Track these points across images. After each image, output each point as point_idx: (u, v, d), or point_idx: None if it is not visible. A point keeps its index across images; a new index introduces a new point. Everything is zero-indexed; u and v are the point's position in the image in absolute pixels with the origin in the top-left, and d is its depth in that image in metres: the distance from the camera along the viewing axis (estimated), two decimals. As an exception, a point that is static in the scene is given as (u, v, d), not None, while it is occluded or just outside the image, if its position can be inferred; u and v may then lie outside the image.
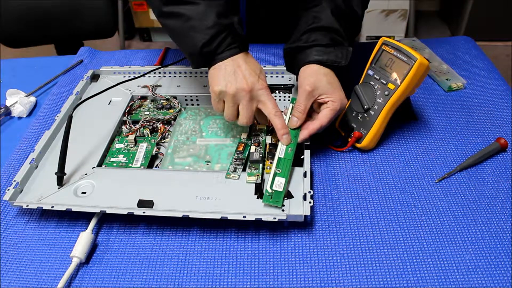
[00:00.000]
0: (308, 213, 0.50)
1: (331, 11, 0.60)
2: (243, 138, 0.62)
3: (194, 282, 0.49)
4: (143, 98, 0.71)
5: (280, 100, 0.70)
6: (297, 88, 0.59)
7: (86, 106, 0.65)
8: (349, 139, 0.61)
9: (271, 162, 0.57)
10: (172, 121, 0.68)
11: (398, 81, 0.57)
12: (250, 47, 0.83)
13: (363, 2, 0.63)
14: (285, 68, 0.72)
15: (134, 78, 0.71)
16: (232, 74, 0.55)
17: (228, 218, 0.50)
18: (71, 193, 0.55)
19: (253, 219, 0.49)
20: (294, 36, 0.62)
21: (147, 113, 0.69)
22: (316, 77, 0.57)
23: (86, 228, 0.53)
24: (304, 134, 0.57)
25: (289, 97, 0.70)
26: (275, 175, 0.53)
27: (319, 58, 0.58)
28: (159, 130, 0.66)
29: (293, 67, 0.63)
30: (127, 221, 0.55)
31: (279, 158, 0.55)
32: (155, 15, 0.60)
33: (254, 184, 0.54)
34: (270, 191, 0.52)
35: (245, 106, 0.55)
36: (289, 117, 0.58)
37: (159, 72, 0.75)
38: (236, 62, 0.55)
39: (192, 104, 0.71)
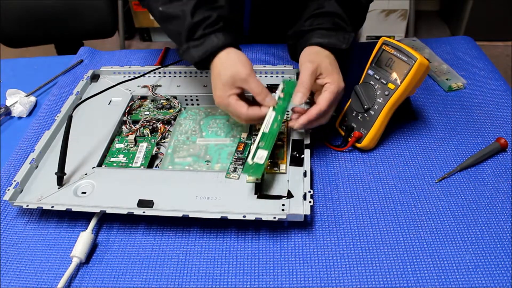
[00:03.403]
0: (308, 212, 0.50)
1: (335, 1, 0.60)
2: (243, 138, 0.62)
3: (194, 282, 0.49)
4: (143, 98, 0.71)
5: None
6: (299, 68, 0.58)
7: (86, 106, 0.65)
8: (349, 139, 0.61)
9: (271, 162, 0.57)
10: (172, 121, 0.68)
11: (398, 81, 0.57)
12: (251, 47, 0.84)
13: None
14: (285, 68, 0.72)
15: (134, 78, 0.71)
16: (213, 86, 0.57)
17: (228, 218, 0.50)
18: (71, 193, 0.55)
19: (253, 218, 0.49)
20: (298, 23, 0.62)
21: (147, 113, 0.69)
22: (317, 56, 0.57)
23: (86, 228, 0.53)
24: (303, 119, 0.55)
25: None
26: (257, 148, 0.53)
27: (320, 41, 0.58)
28: (159, 130, 0.66)
29: (296, 52, 0.63)
30: (127, 221, 0.55)
31: (263, 133, 0.54)
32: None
33: (254, 184, 0.54)
34: (251, 162, 0.52)
35: (228, 112, 0.58)
36: (278, 96, 0.57)
37: (159, 72, 0.75)
38: (213, 71, 0.57)
39: (192, 104, 0.71)
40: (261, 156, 0.52)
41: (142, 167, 0.60)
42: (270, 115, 0.55)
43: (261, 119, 0.56)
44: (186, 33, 0.57)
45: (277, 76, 0.73)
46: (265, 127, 0.55)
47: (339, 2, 0.61)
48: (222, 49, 0.57)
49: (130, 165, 0.60)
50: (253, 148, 0.54)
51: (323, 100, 0.55)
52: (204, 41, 0.56)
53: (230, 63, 0.56)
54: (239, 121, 0.58)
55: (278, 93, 0.57)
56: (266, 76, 0.73)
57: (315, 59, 0.56)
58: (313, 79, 0.56)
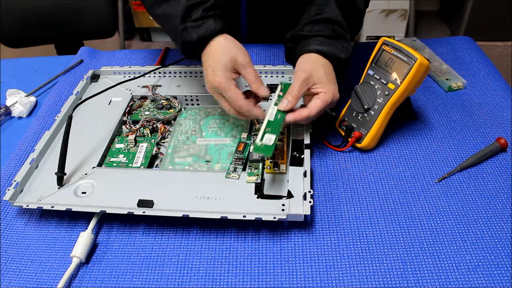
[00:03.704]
0: (308, 212, 0.50)
1: (335, 5, 0.60)
2: (243, 138, 0.62)
3: (194, 282, 0.49)
4: (143, 98, 0.71)
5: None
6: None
7: (86, 106, 0.65)
8: (349, 139, 0.61)
9: (271, 162, 0.57)
10: (172, 121, 0.68)
11: (398, 81, 0.57)
12: (251, 47, 0.84)
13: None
14: (285, 68, 0.72)
15: (134, 78, 0.71)
16: (209, 70, 0.57)
17: (228, 218, 0.50)
18: (71, 193, 0.55)
19: (253, 218, 0.49)
20: (297, 26, 0.62)
21: (147, 113, 0.69)
22: (313, 66, 0.57)
23: (86, 228, 0.53)
24: (290, 117, 0.56)
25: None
26: (265, 132, 0.53)
27: (320, 48, 0.58)
28: (159, 130, 0.66)
29: (293, 56, 0.63)
30: (127, 221, 0.55)
31: (269, 121, 0.55)
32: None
33: (254, 184, 0.54)
34: (259, 143, 0.52)
35: (222, 99, 0.57)
36: (278, 95, 0.58)
37: (159, 72, 0.75)
38: (205, 58, 0.58)
39: (192, 104, 0.71)
40: (270, 138, 0.53)
41: (142, 167, 0.60)
42: (273, 108, 0.56)
43: (250, 114, 0.56)
44: (182, 14, 0.57)
45: (277, 76, 0.73)
46: (269, 116, 0.55)
47: (338, 7, 0.61)
48: (219, 33, 0.57)
49: (130, 165, 0.60)
50: (260, 132, 0.54)
51: (314, 107, 0.56)
52: (203, 23, 0.57)
53: (229, 47, 0.56)
54: (228, 109, 0.57)
55: (278, 92, 0.59)
56: (266, 76, 0.73)
57: (311, 68, 0.56)
58: (303, 88, 0.56)
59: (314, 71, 0.56)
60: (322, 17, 0.60)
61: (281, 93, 0.58)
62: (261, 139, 0.53)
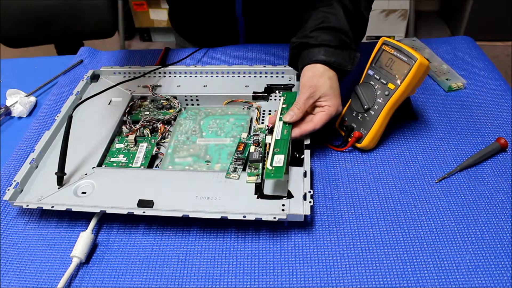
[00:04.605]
0: (308, 212, 0.50)
1: (342, 13, 0.61)
2: (243, 138, 0.62)
3: (194, 282, 0.49)
4: (143, 98, 0.71)
5: (280, 100, 0.70)
6: (299, 86, 0.60)
7: (86, 106, 0.65)
8: (349, 139, 0.61)
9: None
10: (172, 121, 0.68)
11: (398, 81, 0.57)
12: (251, 47, 0.84)
13: (369, 6, 0.64)
14: (285, 68, 0.72)
15: (134, 78, 0.71)
16: None
17: (228, 218, 0.50)
18: (71, 193, 0.55)
19: (253, 218, 0.49)
20: (302, 32, 0.62)
21: (147, 113, 0.68)
22: (319, 79, 0.57)
23: (86, 228, 0.53)
24: (296, 132, 0.57)
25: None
26: (274, 154, 0.54)
27: (327, 59, 0.58)
28: (159, 130, 0.66)
29: (297, 62, 0.63)
30: (127, 221, 0.55)
31: (276, 140, 0.55)
32: None
33: (254, 184, 0.54)
34: (270, 168, 0.52)
35: None
36: (282, 107, 0.59)
37: (159, 72, 0.75)
38: None
39: (192, 104, 0.71)
40: (279, 159, 0.53)
41: (142, 167, 0.60)
42: (279, 125, 0.57)
43: None
44: None
45: (277, 76, 0.73)
46: (276, 135, 0.56)
47: (346, 17, 0.61)
48: None
49: (130, 165, 0.60)
50: (269, 156, 0.54)
51: (319, 121, 0.57)
52: None
53: None
54: None
55: (281, 104, 0.59)
56: (266, 76, 0.73)
57: (317, 82, 0.57)
58: (309, 102, 0.57)
59: (320, 84, 0.57)
60: (329, 26, 0.60)
61: (284, 105, 0.59)
62: (271, 164, 0.53)
